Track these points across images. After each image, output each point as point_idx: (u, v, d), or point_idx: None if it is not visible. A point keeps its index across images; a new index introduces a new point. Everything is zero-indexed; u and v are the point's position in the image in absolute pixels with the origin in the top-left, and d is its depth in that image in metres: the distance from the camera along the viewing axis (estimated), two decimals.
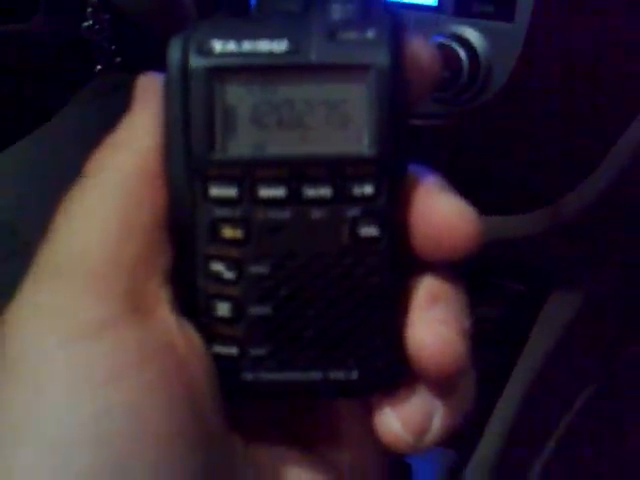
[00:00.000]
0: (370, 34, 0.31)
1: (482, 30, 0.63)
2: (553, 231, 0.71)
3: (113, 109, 1.02)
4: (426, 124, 0.66)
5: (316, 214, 0.32)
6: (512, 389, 0.81)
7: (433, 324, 0.32)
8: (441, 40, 0.63)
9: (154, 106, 0.32)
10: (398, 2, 0.66)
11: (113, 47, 1.04)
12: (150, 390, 0.29)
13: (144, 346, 0.30)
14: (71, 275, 0.30)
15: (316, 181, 0.31)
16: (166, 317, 0.31)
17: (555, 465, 0.85)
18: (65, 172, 0.95)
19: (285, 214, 0.32)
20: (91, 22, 1.02)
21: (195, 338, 0.32)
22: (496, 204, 0.70)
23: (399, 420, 0.32)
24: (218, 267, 0.32)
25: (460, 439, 0.75)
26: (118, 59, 1.05)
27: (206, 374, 0.31)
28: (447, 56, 0.62)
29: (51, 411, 0.28)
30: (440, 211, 0.32)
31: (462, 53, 0.63)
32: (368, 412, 0.33)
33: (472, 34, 0.63)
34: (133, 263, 0.30)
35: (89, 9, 1.02)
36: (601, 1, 0.60)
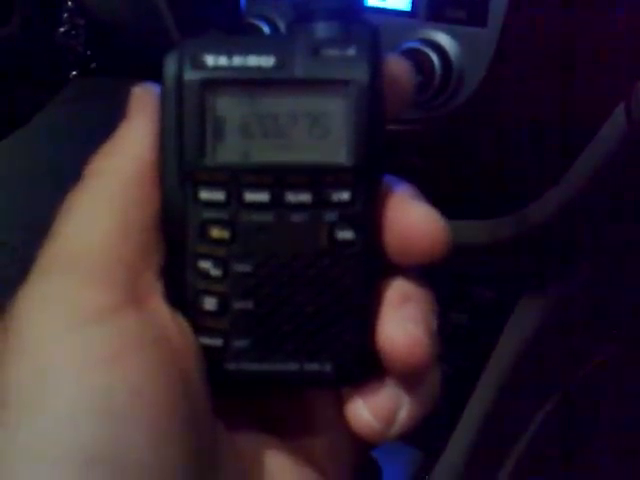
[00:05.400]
0: (351, 51, 0.34)
1: (455, 35, 0.64)
2: (523, 237, 0.71)
3: (88, 114, 1.02)
4: (398, 129, 0.66)
5: (297, 218, 0.34)
6: (481, 393, 0.82)
7: (402, 322, 0.34)
8: (414, 45, 0.64)
9: (149, 114, 0.35)
10: (372, 7, 0.67)
11: (88, 52, 1.04)
12: (148, 372, 0.31)
13: (142, 332, 0.32)
14: (76, 268, 0.32)
15: (297, 187, 0.34)
16: (160, 308, 0.33)
17: (523, 468, 0.85)
18: (38, 176, 0.95)
19: (268, 217, 0.34)
20: (67, 27, 1.02)
21: (186, 328, 0.34)
22: (466, 209, 0.71)
23: (369, 410, 0.35)
24: (206, 265, 0.34)
25: (429, 441, 0.76)
26: (93, 65, 1.05)
27: (196, 362, 0.33)
28: (420, 61, 0.63)
29: (57, 386, 0.30)
30: (411, 218, 0.34)
31: (435, 58, 0.63)
32: (340, 403, 0.35)
33: (445, 39, 0.64)
34: (131, 258, 0.33)
35: (65, 14, 1.02)
36: (573, 7, 0.61)
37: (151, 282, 0.33)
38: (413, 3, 0.65)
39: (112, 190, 0.33)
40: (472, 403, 0.81)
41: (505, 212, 0.71)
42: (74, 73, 1.05)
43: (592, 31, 0.61)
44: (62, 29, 1.02)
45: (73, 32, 1.02)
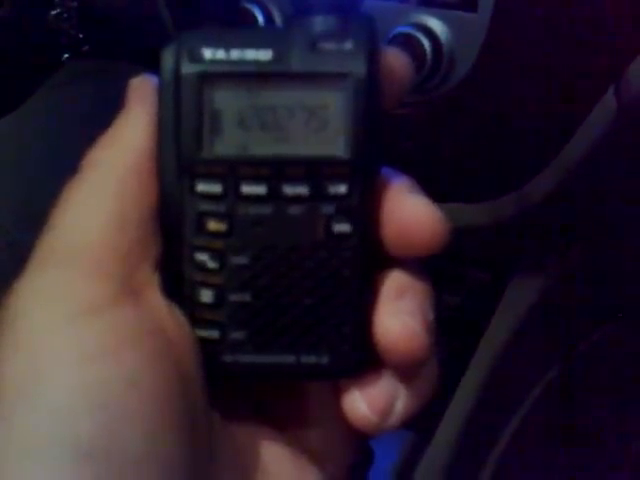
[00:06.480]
0: (348, 45, 0.34)
1: (446, 20, 0.64)
2: (516, 219, 0.72)
3: (81, 98, 1.02)
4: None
5: (294, 210, 0.34)
6: (474, 374, 0.82)
7: (399, 315, 0.34)
8: (405, 30, 0.64)
9: (147, 106, 0.35)
10: None
11: (81, 35, 1.04)
12: (145, 364, 0.31)
13: (138, 325, 0.32)
14: (73, 260, 0.32)
15: (294, 180, 0.34)
16: (157, 300, 0.34)
17: (517, 448, 0.86)
18: (29, 159, 0.94)
19: (265, 210, 0.34)
20: (59, 10, 1.02)
21: (183, 321, 0.34)
22: (459, 192, 0.71)
23: (365, 402, 0.35)
24: (203, 257, 0.35)
25: (421, 421, 0.76)
26: (86, 47, 1.05)
27: (192, 354, 0.34)
28: (411, 45, 0.63)
29: (53, 379, 0.30)
30: (409, 211, 0.34)
31: (426, 43, 0.63)
32: (337, 395, 0.36)
33: (436, 24, 0.64)
34: (128, 251, 0.33)
35: None
36: None
37: (148, 274, 0.34)
38: None
39: (109, 182, 0.34)
40: (465, 384, 0.81)
41: (498, 194, 0.71)
42: (66, 56, 1.05)
43: (583, 15, 0.61)
44: (54, 12, 1.02)
45: (65, 15, 1.01)
